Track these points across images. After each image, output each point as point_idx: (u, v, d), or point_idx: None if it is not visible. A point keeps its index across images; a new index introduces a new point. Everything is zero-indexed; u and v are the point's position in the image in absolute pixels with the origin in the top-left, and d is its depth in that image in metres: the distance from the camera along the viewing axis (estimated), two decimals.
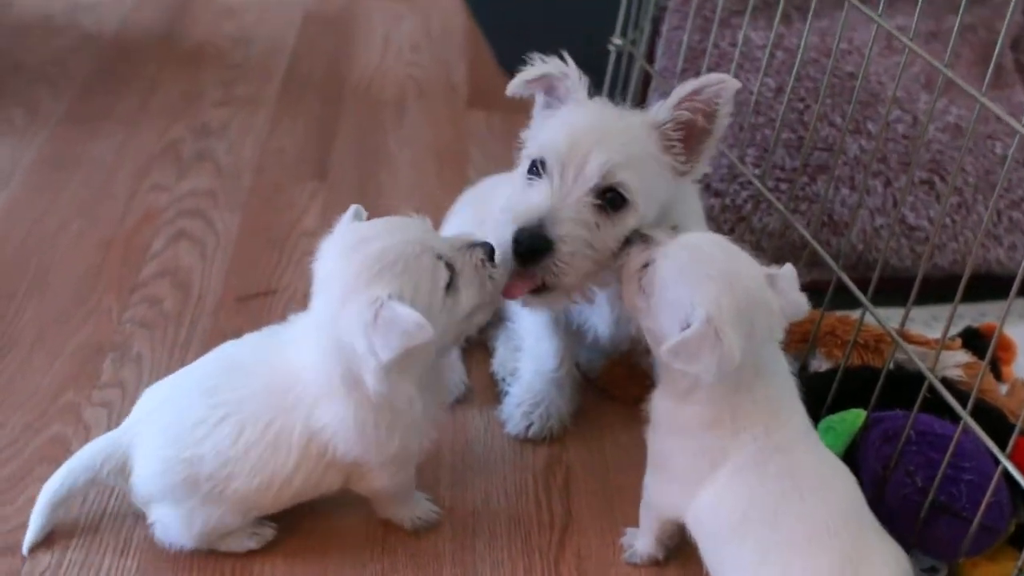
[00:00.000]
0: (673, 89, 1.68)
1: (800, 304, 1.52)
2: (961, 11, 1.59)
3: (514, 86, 1.75)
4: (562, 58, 1.74)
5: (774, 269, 1.52)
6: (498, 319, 2.08)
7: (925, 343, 1.93)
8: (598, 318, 1.86)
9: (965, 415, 1.58)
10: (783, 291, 1.50)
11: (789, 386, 1.57)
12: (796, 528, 1.48)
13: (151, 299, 2.24)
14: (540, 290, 1.63)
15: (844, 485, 1.54)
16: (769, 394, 1.52)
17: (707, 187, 2.34)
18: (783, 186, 2.31)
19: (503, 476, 1.91)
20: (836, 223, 2.37)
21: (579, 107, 1.70)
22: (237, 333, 1.87)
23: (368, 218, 1.60)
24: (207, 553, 1.68)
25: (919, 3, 1.69)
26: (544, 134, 1.68)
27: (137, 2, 3.57)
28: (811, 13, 1.96)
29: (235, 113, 2.98)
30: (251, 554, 1.69)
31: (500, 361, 2.11)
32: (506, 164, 2.24)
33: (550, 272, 1.59)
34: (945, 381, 1.73)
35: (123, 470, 1.63)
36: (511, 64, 1.75)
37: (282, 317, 2.17)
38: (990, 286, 2.22)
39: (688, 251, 1.51)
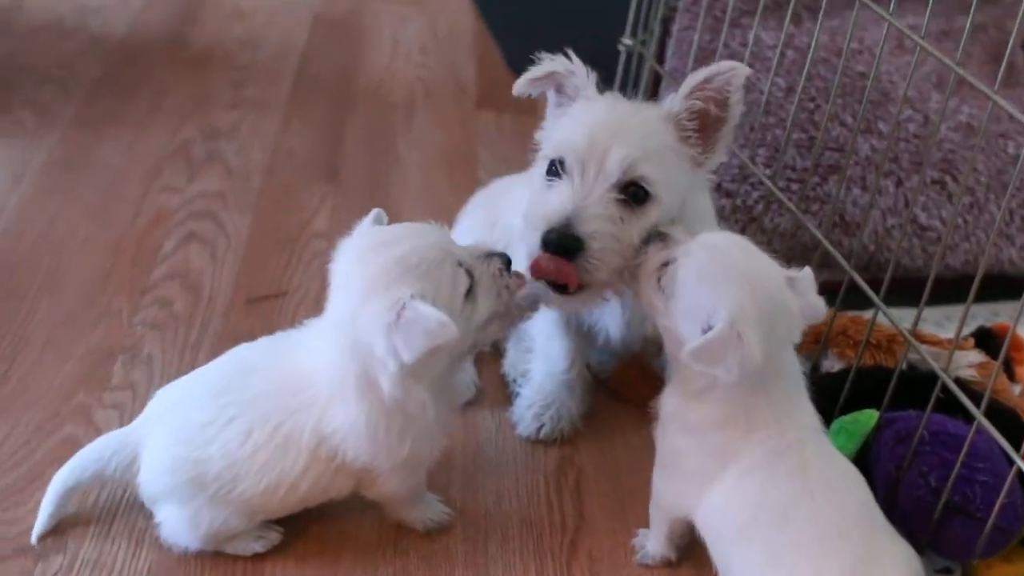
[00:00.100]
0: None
1: (818, 307, 1.51)
2: (972, 10, 1.59)
3: (520, 85, 1.74)
4: (567, 55, 1.73)
5: (793, 272, 1.52)
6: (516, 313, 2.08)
7: (938, 343, 1.92)
8: (609, 319, 1.86)
9: (979, 415, 1.57)
10: (801, 293, 1.50)
11: (800, 386, 1.56)
12: (805, 529, 1.48)
13: (162, 301, 2.24)
14: (573, 290, 1.63)
15: (854, 486, 1.54)
16: (783, 395, 1.52)
17: (718, 187, 2.33)
18: (794, 186, 2.31)
19: (515, 478, 1.91)
20: (848, 223, 2.37)
21: (592, 103, 1.69)
22: (248, 334, 1.87)
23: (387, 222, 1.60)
24: (218, 554, 1.68)
25: (930, 2, 1.68)
26: (559, 133, 1.68)
27: (146, 5, 3.57)
28: (822, 13, 1.96)
29: (245, 115, 2.98)
30: (262, 556, 1.69)
31: (511, 362, 2.11)
32: (516, 165, 2.25)
33: (584, 270, 1.58)
34: (958, 381, 1.72)
35: (131, 467, 1.64)
36: (520, 65, 1.75)
37: (292, 318, 2.20)
38: (1003, 286, 2.21)
39: (709, 251, 1.50)
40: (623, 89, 2.57)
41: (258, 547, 1.69)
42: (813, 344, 1.94)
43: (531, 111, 3.02)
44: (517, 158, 2.73)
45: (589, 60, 1.75)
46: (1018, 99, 2.58)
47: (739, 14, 2.44)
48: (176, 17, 3.52)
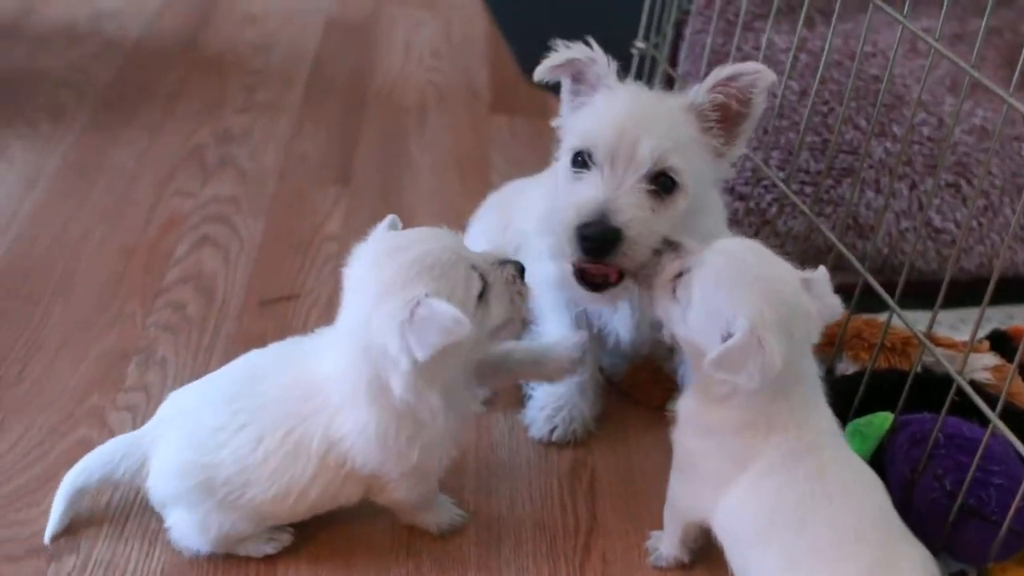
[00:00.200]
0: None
1: (835, 307, 1.51)
2: (987, 13, 1.58)
3: (541, 72, 1.74)
4: (587, 43, 1.73)
5: (808, 273, 1.51)
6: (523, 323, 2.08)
7: (952, 346, 1.91)
8: (619, 321, 1.86)
9: (994, 418, 1.56)
10: (817, 294, 1.49)
11: (818, 390, 1.55)
12: (823, 533, 1.47)
13: (175, 304, 2.24)
14: (607, 285, 1.63)
15: (872, 489, 1.53)
16: (802, 399, 1.51)
17: (731, 190, 2.33)
18: (808, 189, 2.31)
19: (528, 480, 1.90)
20: (861, 226, 2.36)
21: (615, 93, 1.69)
22: (260, 337, 1.87)
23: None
24: (230, 555, 1.68)
25: (944, 5, 1.67)
26: (585, 124, 1.67)
27: (160, 9, 3.59)
28: (835, 16, 1.95)
29: (258, 119, 2.99)
30: (275, 557, 1.69)
31: None
32: (528, 169, 2.24)
33: (624, 259, 1.58)
34: (973, 384, 1.71)
35: (140, 470, 1.65)
36: (533, 69, 1.75)
37: (305, 321, 2.20)
38: (1018, 288, 2.21)
39: (725, 258, 1.50)
40: None
41: (269, 549, 1.69)
42: (828, 347, 1.93)
43: (543, 115, 3.03)
44: (529, 162, 2.74)
45: None
46: None
47: (752, 17, 2.45)
48: (190, 22, 3.54)
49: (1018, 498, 1.54)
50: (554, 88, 1.80)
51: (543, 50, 1.77)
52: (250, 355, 1.70)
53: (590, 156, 1.63)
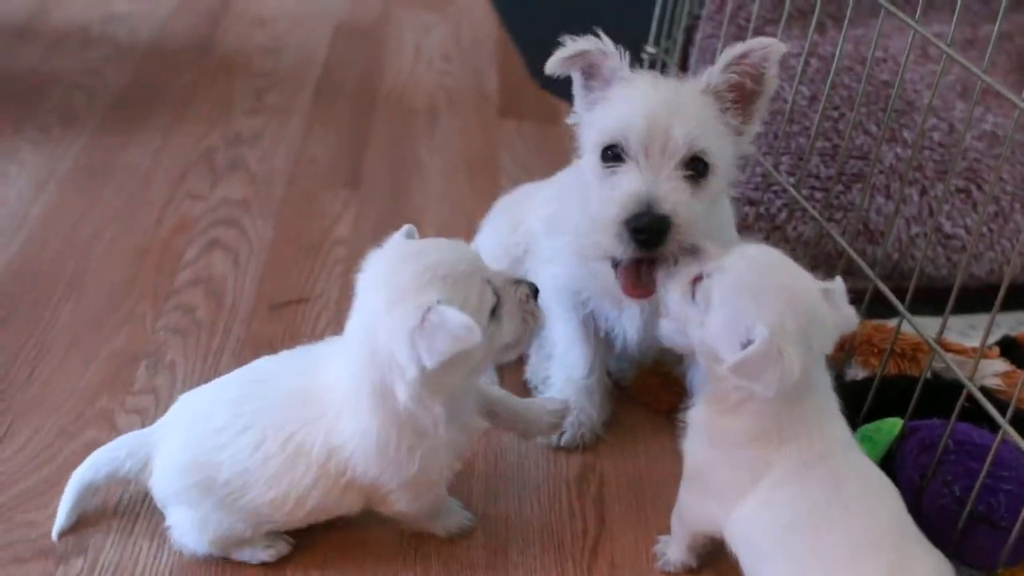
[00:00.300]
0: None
1: (851, 318, 1.50)
2: (1000, 18, 1.58)
3: (553, 64, 1.72)
4: (597, 35, 1.73)
5: (827, 283, 1.51)
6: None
7: (963, 352, 1.91)
8: (627, 323, 1.86)
9: (1005, 424, 1.56)
10: (835, 305, 1.49)
11: (831, 399, 1.55)
12: (839, 541, 1.45)
13: (185, 307, 2.25)
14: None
15: (887, 497, 1.51)
16: (816, 408, 1.51)
17: (741, 195, 2.33)
18: (818, 195, 2.30)
19: (536, 484, 1.90)
20: (872, 232, 2.35)
21: (634, 84, 1.68)
22: (270, 341, 1.87)
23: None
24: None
25: (956, 10, 1.67)
26: (611, 117, 1.66)
27: (171, 13, 3.60)
28: (846, 21, 1.95)
29: (268, 122, 3.00)
30: (284, 560, 1.70)
31: (533, 368, 2.10)
32: (538, 172, 2.25)
33: (674, 247, 1.58)
34: (983, 390, 1.71)
35: (145, 469, 1.66)
36: (542, 73, 1.74)
37: (315, 324, 2.20)
38: None
39: (747, 264, 1.49)
40: None
41: (265, 556, 1.69)
42: (838, 352, 1.92)
43: (553, 119, 3.04)
44: (539, 165, 2.74)
45: None
46: None
47: (763, 23, 2.44)
48: (200, 25, 3.55)
49: None
50: (562, 92, 1.79)
51: (552, 54, 1.77)
52: (260, 360, 1.71)
53: (622, 149, 1.63)
